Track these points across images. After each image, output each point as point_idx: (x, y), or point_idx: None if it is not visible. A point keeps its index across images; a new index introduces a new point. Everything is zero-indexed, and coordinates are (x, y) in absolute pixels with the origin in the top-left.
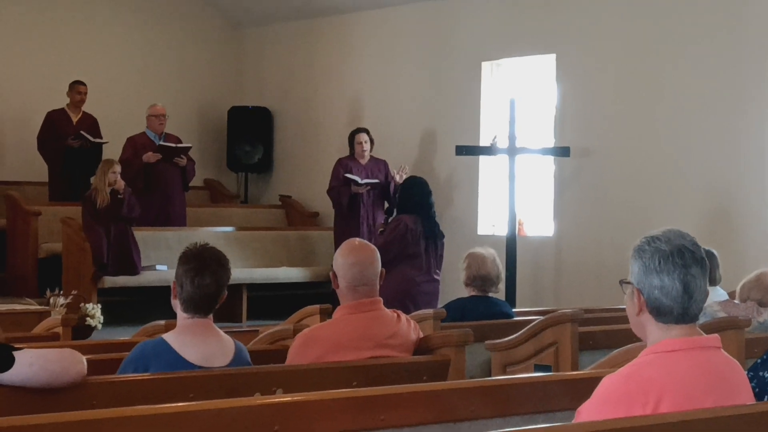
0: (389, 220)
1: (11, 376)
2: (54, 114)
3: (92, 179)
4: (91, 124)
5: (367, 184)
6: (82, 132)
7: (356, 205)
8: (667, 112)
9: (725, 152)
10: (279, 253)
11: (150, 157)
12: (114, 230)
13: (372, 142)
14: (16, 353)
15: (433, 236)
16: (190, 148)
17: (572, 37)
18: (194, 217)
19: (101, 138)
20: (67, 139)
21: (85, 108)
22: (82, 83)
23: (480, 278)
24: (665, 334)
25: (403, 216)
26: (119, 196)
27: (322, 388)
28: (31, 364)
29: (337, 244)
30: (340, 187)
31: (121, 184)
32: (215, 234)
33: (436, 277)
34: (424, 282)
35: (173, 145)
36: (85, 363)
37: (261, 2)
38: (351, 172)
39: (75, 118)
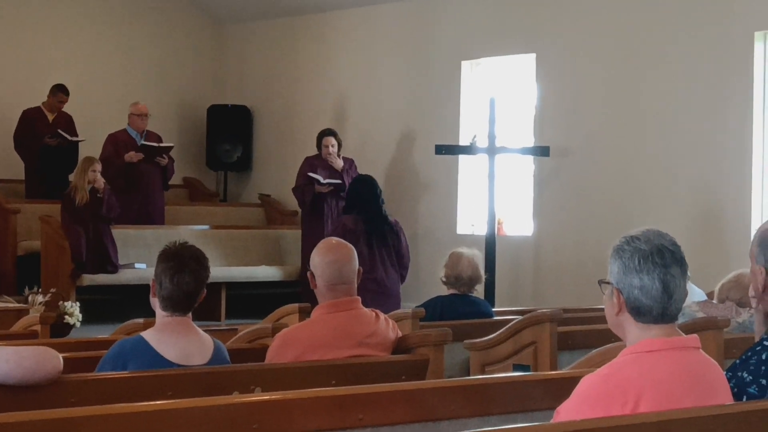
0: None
1: None
2: (30, 112)
3: (71, 176)
4: (67, 122)
5: (329, 184)
6: (59, 131)
7: (320, 205)
8: (648, 111)
9: (707, 152)
10: (258, 251)
11: (132, 156)
12: (92, 228)
13: (339, 144)
14: None
15: (379, 234)
16: (171, 147)
17: (552, 37)
18: (173, 216)
19: (77, 135)
20: (43, 137)
21: (69, 106)
22: (65, 92)
23: (453, 277)
24: (644, 334)
25: (343, 217)
26: (98, 195)
27: (301, 387)
28: (7, 361)
29: (304, 243)
30: (304, 186)
31: (100, 182)
32: (194, 232)
33: (383, 276)
34: (367, 281)
35: (156, 144)
36: (61, 359)
37: (242, 0)
38: (316, 172)
39: (51, 117)
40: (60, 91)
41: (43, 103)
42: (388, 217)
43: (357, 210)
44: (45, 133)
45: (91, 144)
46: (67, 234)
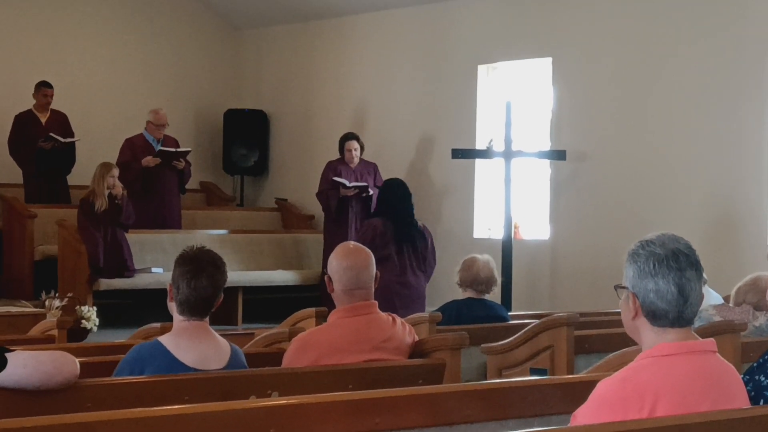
0: None
1: (5, 377)
2: (22, 116)
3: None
4: (61, 122)
5: (355, 187)
6: (51, 134)
7: (345, 209)
8: (664, 115)
9: (723, 155)
10: (274, 256)
11: (149, 161)
12: (110, 234)
13: (362, 147)
14: (8, 355)
15: (408, 239)
16: (189, 152)
17: (569, 41)
18: (190, 220)
19: (73, 135)
20: (37, 140)
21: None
22: (49, 86)
23: (470, 279)
24: (660, 338)
25: (373, 219)
26: (117, 202)
27: (318, 391)
28: (25, 365)
29: (326, 247)
30: (328, 191)
31: (119, 189)
32: (211, 237)
33: (412, 280)
34: (399, 285)
35: (173, 150)
36: (78, 364)
37: (258, 4)
38: (340, 176)
39: (44, 119)
40: (43, 86)
41: (33, 105)
42: (416, 222)
43: (387, 213)
44: (39, 136)
45: (111, 147)
46: (84, 239)
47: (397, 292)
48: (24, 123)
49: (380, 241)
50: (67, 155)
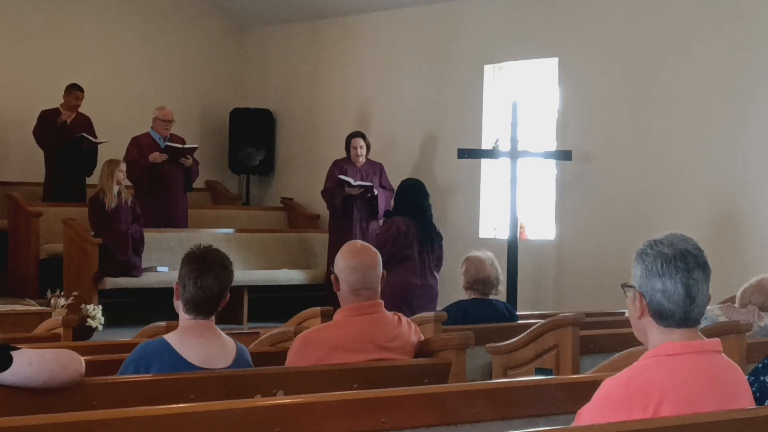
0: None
1: (10, 375)
2: (48, 113)
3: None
4: (85, 123)
5: (360, 186)
6: (84, 134)
7: (350, 207)
8: (670, 115)
9: (729, 156)
10: (280, 255)
11: (156, 157)
12: (121, 231)
13: (368, 146)
14: (14, 353)
15: (429, 240)
16: (196, 148)
17: (575, 41)
18: (196, 219)
19: (97, 137)
20: (62, 139)
21: (85, 108)
22: (80, 89)
23: (480, 281)
24: (666, 338)
25: (396, 218)
26: (126, 202)
27: (323, 390)
28: (30, 364)
29: (331, 246)
30: (334, 189)
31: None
32: (217, 236)
33: (431, 281)
34: (419, 286)
35: (180, 146)
36: (83, 362)
37: (264, 4)
38: (346, 174)
39: (69, 119)
40: (75, 89)
41: (60, 105)
42: (435, 225)
43: (409, 213)
44: (64, 135)
45: (117, 147)
46: (104, 237)
47: (416, 293)
48: (49, 120)
49: (403, 241)
50: (89, 156)
